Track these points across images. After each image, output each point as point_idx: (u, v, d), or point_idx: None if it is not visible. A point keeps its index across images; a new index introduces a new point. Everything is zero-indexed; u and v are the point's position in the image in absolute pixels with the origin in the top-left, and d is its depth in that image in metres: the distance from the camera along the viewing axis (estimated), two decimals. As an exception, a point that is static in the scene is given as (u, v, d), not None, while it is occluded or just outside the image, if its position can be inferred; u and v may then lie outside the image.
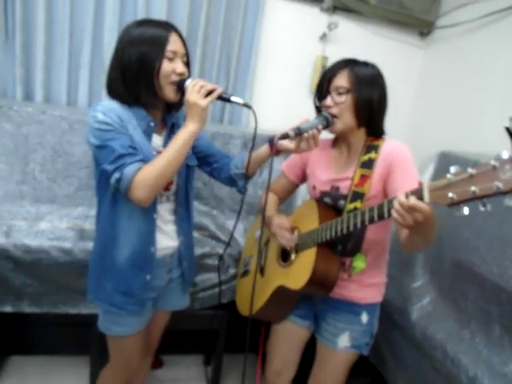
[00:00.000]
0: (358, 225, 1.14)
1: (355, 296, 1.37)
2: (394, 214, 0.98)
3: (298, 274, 1.31)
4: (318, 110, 1.36)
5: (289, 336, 1.52)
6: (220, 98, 1.18)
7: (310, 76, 2.49)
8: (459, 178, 0.83)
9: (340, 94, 1.26)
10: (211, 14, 2.22)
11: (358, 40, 2.48)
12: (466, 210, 0.83)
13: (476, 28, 2.20)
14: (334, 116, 1.28)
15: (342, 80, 1.26)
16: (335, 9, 2.40)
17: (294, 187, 1.56)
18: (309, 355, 1.54)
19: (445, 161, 1.92)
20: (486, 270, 1.50)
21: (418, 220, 0.95)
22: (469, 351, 1.41)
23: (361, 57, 1.35)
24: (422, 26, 2.53)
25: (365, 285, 1.37)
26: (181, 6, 2.16)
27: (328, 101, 1.28)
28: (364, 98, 1.25)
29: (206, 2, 2.16)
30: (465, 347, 1.43)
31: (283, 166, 1.55)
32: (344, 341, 1.38)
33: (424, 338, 1.53)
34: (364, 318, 1.38)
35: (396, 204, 0.97)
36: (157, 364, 2.23)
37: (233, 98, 1.19)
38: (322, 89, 1.30)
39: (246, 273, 1.67)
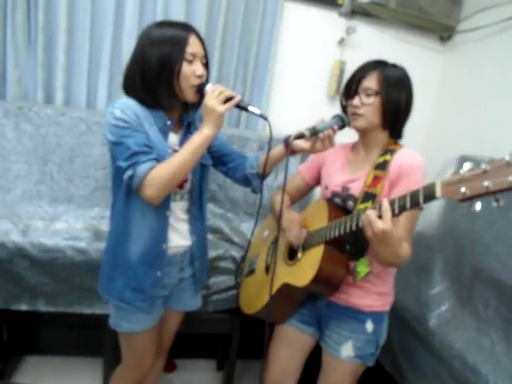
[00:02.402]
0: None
1: (360, 303, 1.33)
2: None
3: (303, 272, 1.30)
4: (344, 109, 1.36)
5: (289, 342, 1.48)
6: (238, 106, 1.20)
7: (328, 80, 2.48)
8: (473, 173, 0.84)
9: (368, 95, 1.26)
10: (229, 19, 2.23)
11: (377, 45, 2.45)
12: (478, 206, 0.84)
13: (497, 32, 2.15)
14: (358, 115, 1.28)
15: (371, 82, 1.26)
16: (353, 13, 2.38)
17: (308, 189, 1.54)
18: (314, 367, 1.50)
19: (465, 165, 1.87)
20: (507, 276, 1.45)
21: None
22: (489, 360, 1.36)
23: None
24: (442, 31, 2.50)
25: (370, 293, 1.33)
26: (199, 10, 2.18)
27: (355, 101, 1.27)
28: (392, 101, 1.26)
29: (224, 6, 2.18)
30: (485, 356, 1.38)
31: (300, 166, 1.54)
32: (347, 350, 1.34)
33: (442, 347, 1.48)
34: (369, 326, 1.33)
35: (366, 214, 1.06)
36: (170, 367, 2.23)
37: (250, 108, 1.21)
38: (351, 89, 1.30)
39: (251, 272, 1.65)
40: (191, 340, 2.22)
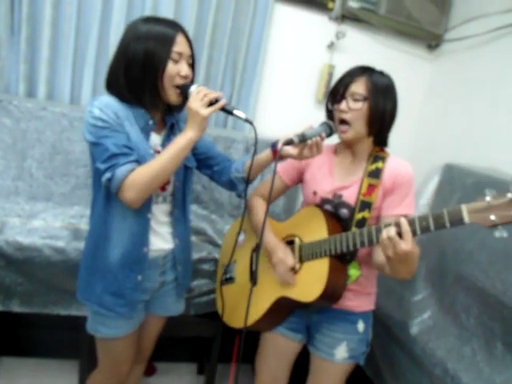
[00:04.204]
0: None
1: (351, 304, 1.34)
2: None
3: (308, 286, 1.26)
4: (330, 113, 1.34)
5: (279, 350, 1.47)
6: (223, 109, 1.16)
7: (316, 84, 2.47)
8: (499, 201, 0.91)
9: (356, 100, 1.25)
10: (219, 18, 2.21)
11: (366, 50, 2.46)
12: (504, 233, 0.91)
13: (484, 42, 2.18)
14: (345, 122, 1.26)
15: (359, 87, 1.25)
16: (344, 18, 2.38)
17: (285, 190, 1.50)
18: (300, 369, 1.49)
19: (449, 173, 1.89)
20: (489, 284, 1.45)
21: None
22: (470, 369, 1.36)
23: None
24: (430, 39, 2.52)
25: (359, 294, 1.35)
26: (188, 8, 2.15)
27: (343, 105, 1.26)
28: (378, 108, 1.25)
29: (214, 5, 2.16)
30: (466, 365, 1.38)
31: (278, 167, 1.49)
32: (342, 352, 1.35)
33: (424, 354, 1.48)
34: (360, 326, 1.36)
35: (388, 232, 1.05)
36: (150, 371, 2.18)
37: (235, 112, 1.17)
38: (338, 93, 1.28)
39: (229, 280, 1.57)
40: (171, 343, 2.18)
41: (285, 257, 1.32)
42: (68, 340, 1.95)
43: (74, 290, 1.49)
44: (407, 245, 1.02)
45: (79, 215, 1.78)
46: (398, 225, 1.05)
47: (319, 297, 1.21)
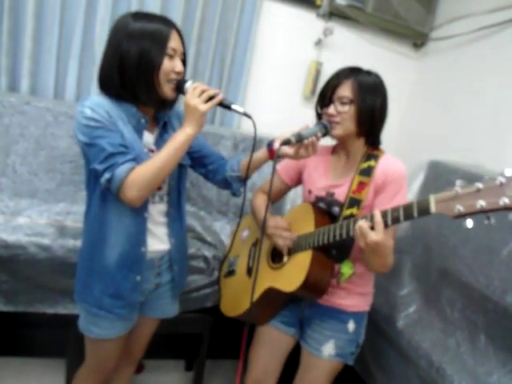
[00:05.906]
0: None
1: (343, 303, 1.35)
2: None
3: (291, 277, 1.29)
4: (319, 117, 1.35)
5: (271, 343, 1.48)
6: (220, 104, 1.16)
7: (304, 80, 2.48)
8: (466, 191, 0.88)
9: (343, 103, 1.26)
10: (206, 13, 2.19)
11: (353, 47, 2.48)
12: (469, 223, 0.88)
13: (469, 41, 2.22)
14: (336, 123, 1.28)
15: (345, 90, 1.26)
16: (331, 15, 2.39)
17: (286, 189, 1.53)
18: (292, 364, 1.50)
19: (434, 170, 1.92)
20: (472, 279, 1.49)
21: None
22: (454, 361, 1.40)
23: (354, 64, 1.34)
24: (416, 37, 2.55)
25: (352, 293, 1.36)
26: (176, 2, 2.13)
27: (331, 109, 1.28)
28: (367, 108, 1.26)
29: (201, 0, 2.14)
30: (450, 357, 1.42)
31: (278, 167, 1.53)
32: (329, 349, 1.36)
33: (409, 347, 1.51)
34: (351, 326, 1.36)
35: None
36: (138, 368, 2.16)
37: (233, 106, 1.18)
38: (325, 97, 1.30)
39: (231, 273, 1.63)
40: (159, 340, 2.17)
41: (276, 222, 1.37)
42: (54, 338, 1.92)
43: (60, 288, 1.47)
44: (378, 235, 1.05)
45: (65, 212, 1.76)
46: (372, 217, 1.08)
47: (300, 286, 1.24)
